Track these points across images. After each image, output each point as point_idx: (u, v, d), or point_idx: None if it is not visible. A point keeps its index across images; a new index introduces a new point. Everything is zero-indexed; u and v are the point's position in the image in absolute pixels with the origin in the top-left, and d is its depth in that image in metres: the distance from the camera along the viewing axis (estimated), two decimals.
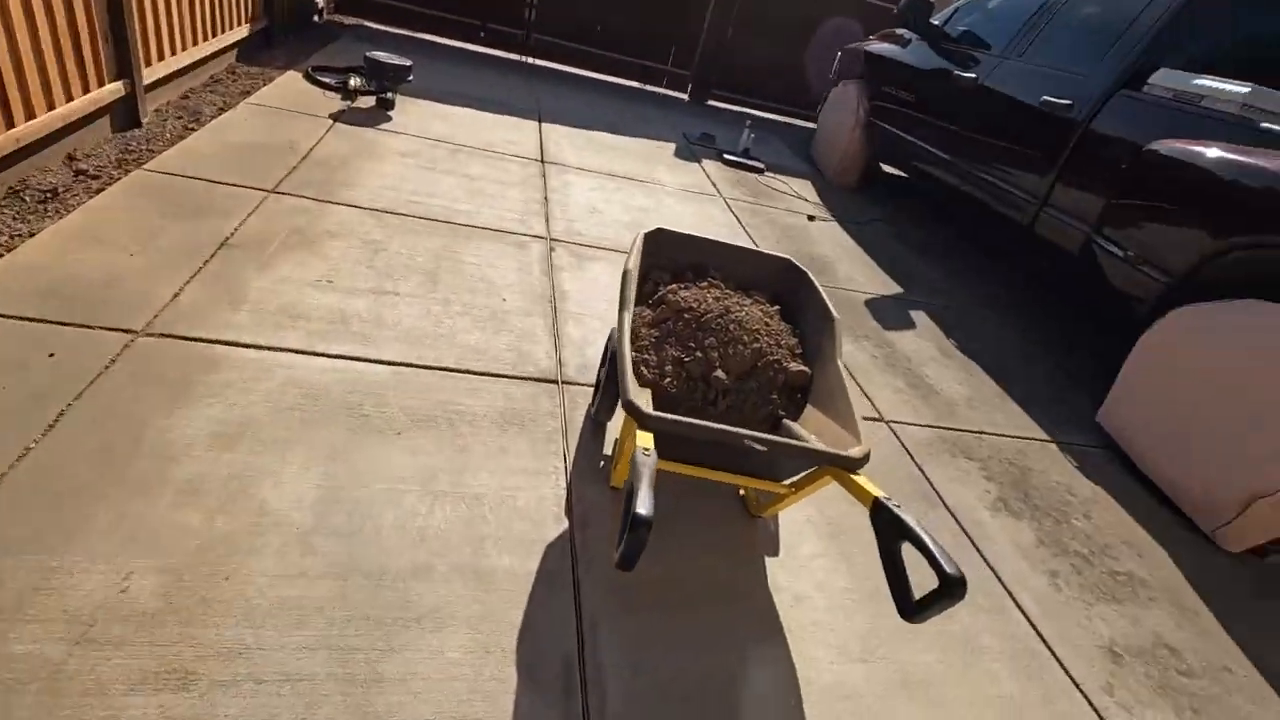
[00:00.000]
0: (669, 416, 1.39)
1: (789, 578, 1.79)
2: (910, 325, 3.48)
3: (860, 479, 1.40)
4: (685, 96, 7.59)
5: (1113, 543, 2.28)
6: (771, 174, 5.43)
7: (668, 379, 1.83)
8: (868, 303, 3.60)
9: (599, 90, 6.79)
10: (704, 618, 1.62)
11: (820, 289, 2.03)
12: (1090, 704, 1.68)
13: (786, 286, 2.18)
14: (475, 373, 2.22)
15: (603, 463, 2.01)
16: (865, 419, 2.57)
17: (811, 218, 4.68)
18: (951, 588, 1.09)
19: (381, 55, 4.28)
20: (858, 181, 5.61)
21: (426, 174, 3.62)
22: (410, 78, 4.37)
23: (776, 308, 2.10)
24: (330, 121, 3.98)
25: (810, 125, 6.64)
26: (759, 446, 1.40)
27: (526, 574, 1.60)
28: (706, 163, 5.29)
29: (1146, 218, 2.96)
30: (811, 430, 1.72)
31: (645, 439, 1.31)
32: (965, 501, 2.28)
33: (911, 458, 2.42)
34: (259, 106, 3.93)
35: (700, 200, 4.45)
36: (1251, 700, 1.83)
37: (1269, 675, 1.93)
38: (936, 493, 2.28)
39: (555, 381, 2.29)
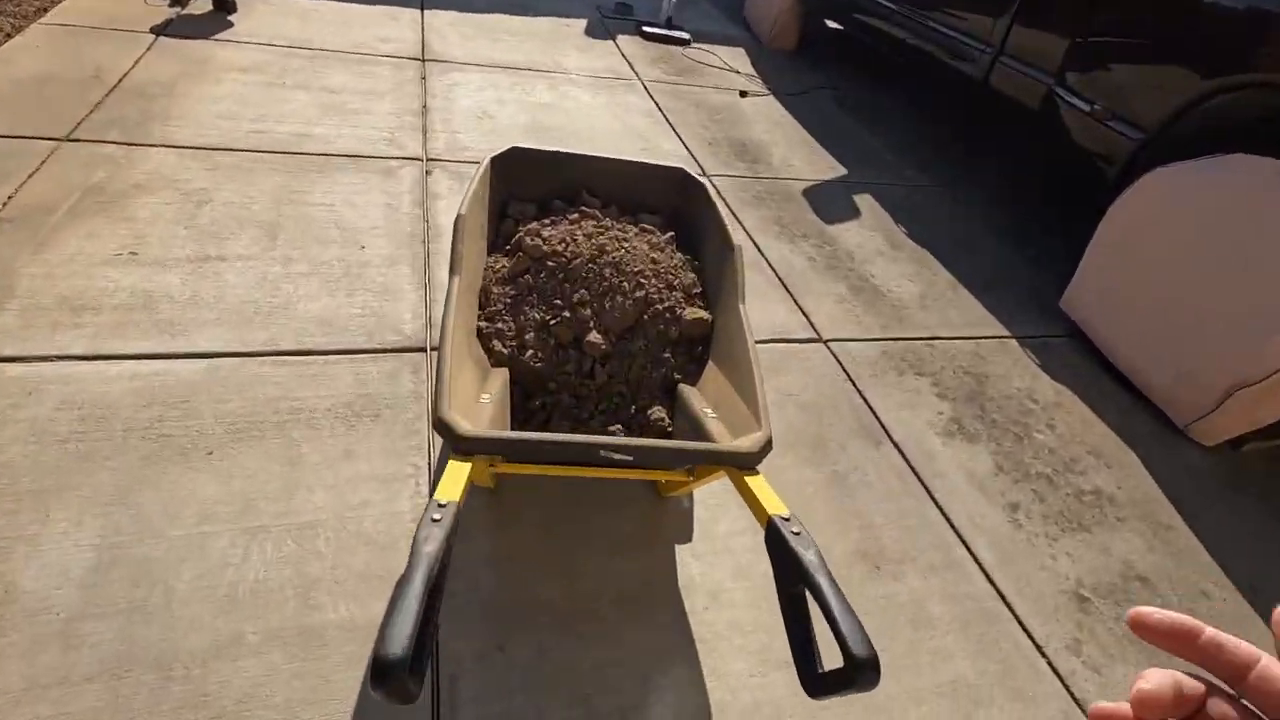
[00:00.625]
0: (491, 435, 1.03)
1: (703, 568, 1.51)
2: (855, 215, 3.07)
3: (756, 483, 1.06)
4: None
5: (1079, 455, 2.03)
6: (698, 45, 4.75)
7: (530, 350, 1.46)
8: (807, 192, 3.17)
9: None
10: (597, 643, 1.34)
11: (719, 209, 1.62)
12: (1055, 671, 1.46)
13: (684, 204, 1.77)
14: (318, 352, 1.81)
15: None
16: (801, 341, 2.24)
17: (744, 93, 4.12)
18: (858, 672, 0.78)
19: None
20: (796, 43, 4.96)
21: (273, 92, 3.01)
22: None
23: (670, 234, 1.70)
24: (152, 37, 3.27)
25: None
26: (617, 456, 1.05)
27: (369, 624, 1.29)
28: (623, 39, 4.60)
29: (1116, 61, 2.51)
30: (710, 398, 1.38)
31: (450, 484, 0.94)
32: (915, 430, 1.99)
33: (854, 384, 2.11)
34: (58, 26, 3.21)
35: (614, 88, 3.86)
36: (1232, 627, 1.62)
37: (1246, 590, 1.74)
38: (882, 425, 1.98)
39: (422, 349, 1.90)
